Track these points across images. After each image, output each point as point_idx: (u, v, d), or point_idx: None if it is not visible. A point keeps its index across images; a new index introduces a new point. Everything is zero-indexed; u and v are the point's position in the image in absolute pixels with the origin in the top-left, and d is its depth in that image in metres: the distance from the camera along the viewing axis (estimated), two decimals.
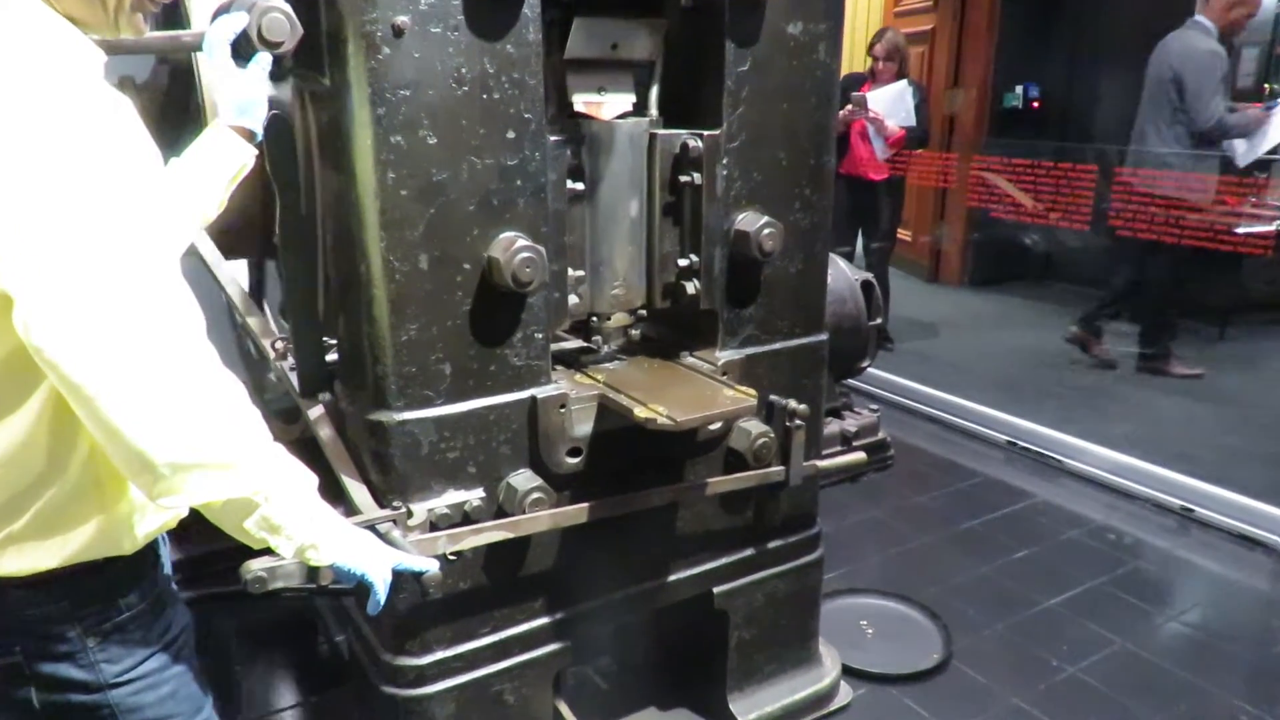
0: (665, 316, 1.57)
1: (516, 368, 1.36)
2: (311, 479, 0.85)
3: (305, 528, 0.82)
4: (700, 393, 1.39)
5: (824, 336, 1.66)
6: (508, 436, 1.37)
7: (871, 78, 4.00)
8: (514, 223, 1.28)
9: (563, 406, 1.38)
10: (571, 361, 1.52)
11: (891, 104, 3.71)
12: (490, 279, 1.27)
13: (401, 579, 0.98)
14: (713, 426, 1.52)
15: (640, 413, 1.29)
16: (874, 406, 2.10)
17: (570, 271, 1.41)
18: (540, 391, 1.37)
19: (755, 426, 1.54)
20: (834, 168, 1.53)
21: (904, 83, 3.83)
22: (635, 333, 1.56)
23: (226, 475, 0.72)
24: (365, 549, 0.92)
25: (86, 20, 0.79)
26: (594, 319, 1.50)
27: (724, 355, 1.54)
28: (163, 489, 0.70)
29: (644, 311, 1.52)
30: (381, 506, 1.25)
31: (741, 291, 1.54)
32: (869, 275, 2.01)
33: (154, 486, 0.70)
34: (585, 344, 1.53)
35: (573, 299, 1.43)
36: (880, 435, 2.08)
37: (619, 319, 1.53)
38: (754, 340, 1.57)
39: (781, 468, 1.57)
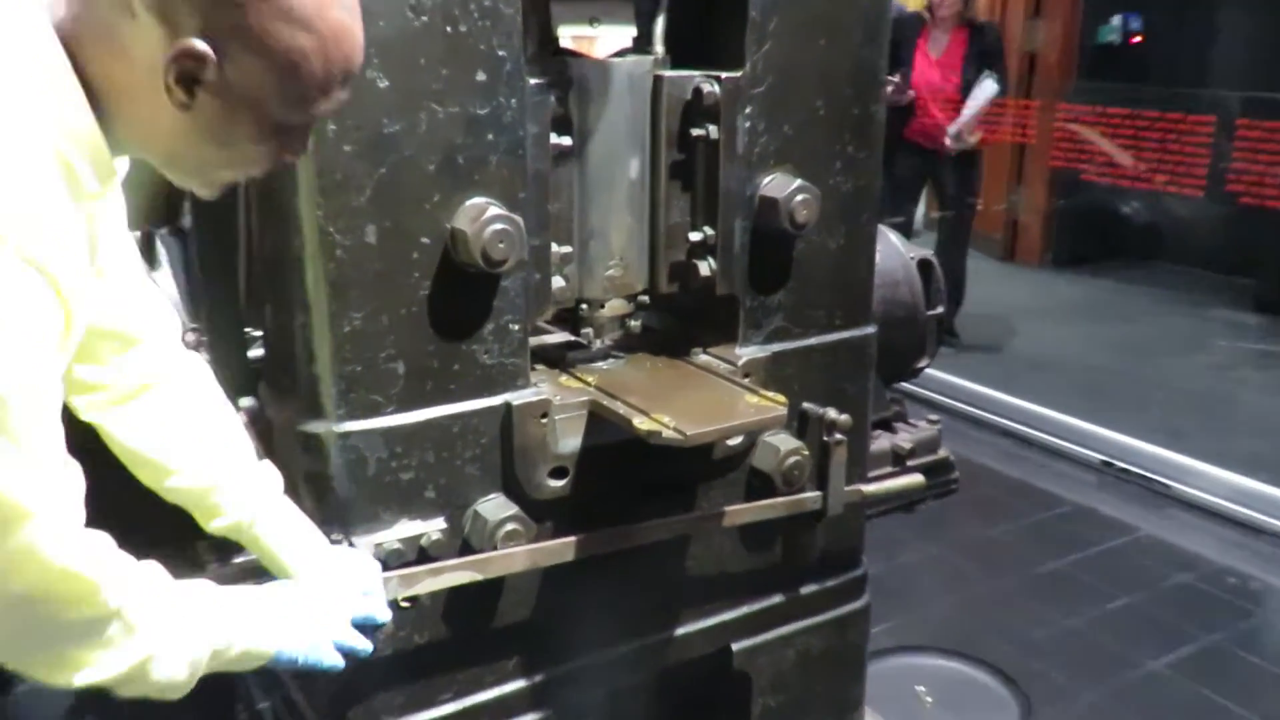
0: (672, 304, 1.60)
1: (487, 367, 1.37)
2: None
3: (226, 652, 0.95)
4: (716, 399, 1.42)
5: (871, 329, 1.70)
6: (476, 453, 1.39)
7: (929, 16, 3.98)
8: (484, 186, 1.30)
9: (544, 416, 1.41)
10: (556, 360, 1.54)
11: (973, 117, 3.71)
12: (454, 256, 1.29)
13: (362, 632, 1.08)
14: (731, 441, 1.54)
15: (641, 424, 1.31)
16: (933, 417, 2.12)
17: (555, 248, 1.43)
18: (516, 397, 1.40)
19: (785, 442, 1.58)
20: (884, 120, 1.57)
21: (987, 86, 3.79)
22: (635, 324, 1.58)
23: (114, 655, 0.83)
24: (301, 632, 1.03)
25: (131, 138, 0.84)
26: (584, 307, 1.52)
27: (746, 352, 1.57)
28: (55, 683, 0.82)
29: (646, 298, 1.55)
30: None
31: (768, 273, 1.57)
32: (927, 253, 2.03)
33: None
34: (573, 338, 1.56)
35: (557, 281, 1.45)
36: (941, 453, 2.10)
37: (615, 307, 1.55)
38: (783, 334, 1.61)
39: (818, 493, 1.61)
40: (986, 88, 3.78)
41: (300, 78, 0.83)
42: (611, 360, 1.57)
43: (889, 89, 3.66)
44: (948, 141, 3.76)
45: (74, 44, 0.80)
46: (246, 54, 0.80)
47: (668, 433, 1.29)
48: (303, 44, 0.81)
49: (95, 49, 0.81)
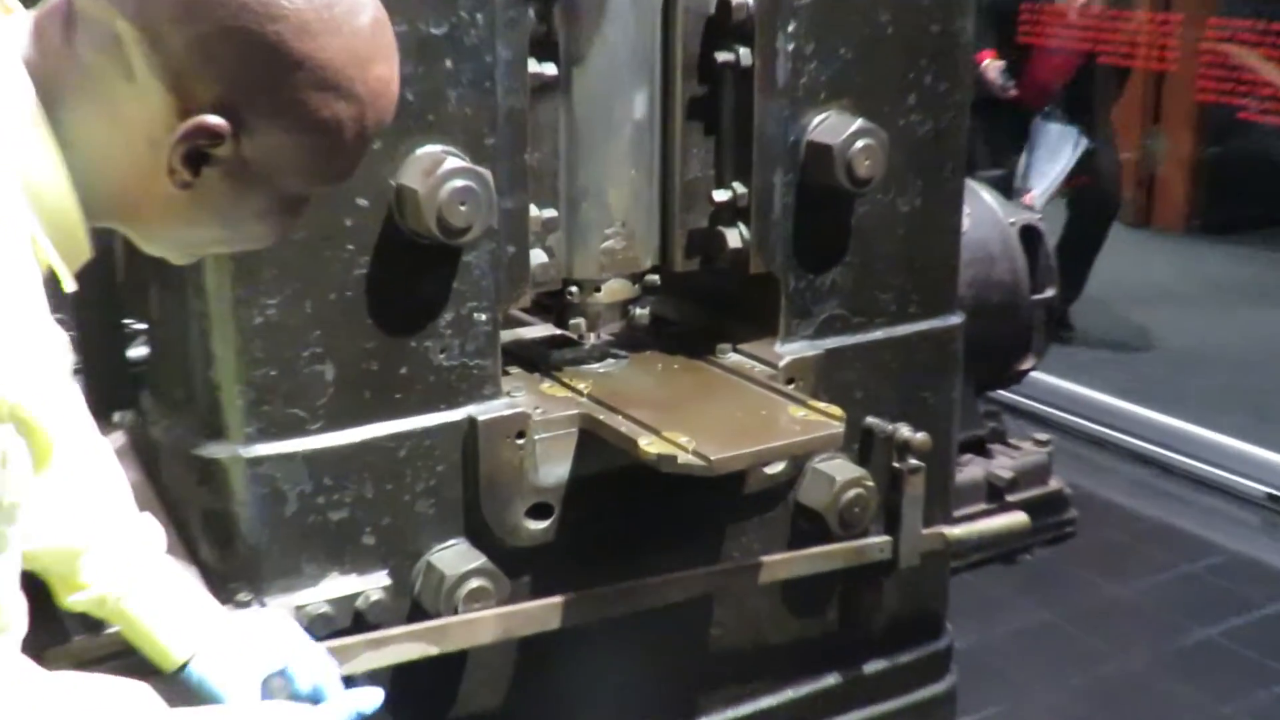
0: (692, 286, 1.65)
1: (444, 371, 1.41)
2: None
3: None
4: (749, 413, 1.44)
5: (957, 319, 1.73)
6: (429, 485, 1.42)
7: None
8: (440, 131, 1.33)
9: (521, 435, 1.43)
10: (537, 360, 1.59)
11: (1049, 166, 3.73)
12: (401, 223, 1.33)
13: None
14: (770, 469, 1.57)
15: (650, 446, 1.34)
16: (1042, 437, 2.14)
17: (535, 211, 1.46)
18: (483, 410, 1.43)
19: (842, 469, 1.60)
20: (972, 40, 1.62)
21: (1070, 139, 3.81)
22: (641, 312, 1.62)
23: None
24: None
25: (114, 198, 0.87)
26: (573, 290, 1.55)
27: (789, 350, 1.59)
28: None
29: (655, 278, 1.59)
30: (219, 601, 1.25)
31: (819, 244, 1.61)
32: (1033, 216, 2.05)
33: None
34: (559, 332, 1.60)
35: (537, 256, 1.47)
36: (1052, 484, 2.12)
37: (615, 290, 1.59)
38: (839, 325, 1.64)
39: (886, 538, 1.63)
40: (1072, 142, 3.82)
41: (331, 151, 0.87)
42: (611, 361, 1.60)
43: (994, 75, 3.70)
44: (1028, 200, 3.81)
45: (48, 93, 0.82)
46: (272, 130, 0.83)
47: (685, 457, 1.31)
48: (339, 114, 0.84)
49: (76, 104, 0.83)
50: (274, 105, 0.83)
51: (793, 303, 1.63)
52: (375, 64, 0.85)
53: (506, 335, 1.51)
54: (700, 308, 1.72)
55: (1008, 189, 3.92)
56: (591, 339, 1.62)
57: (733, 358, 1.62)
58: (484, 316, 1.43)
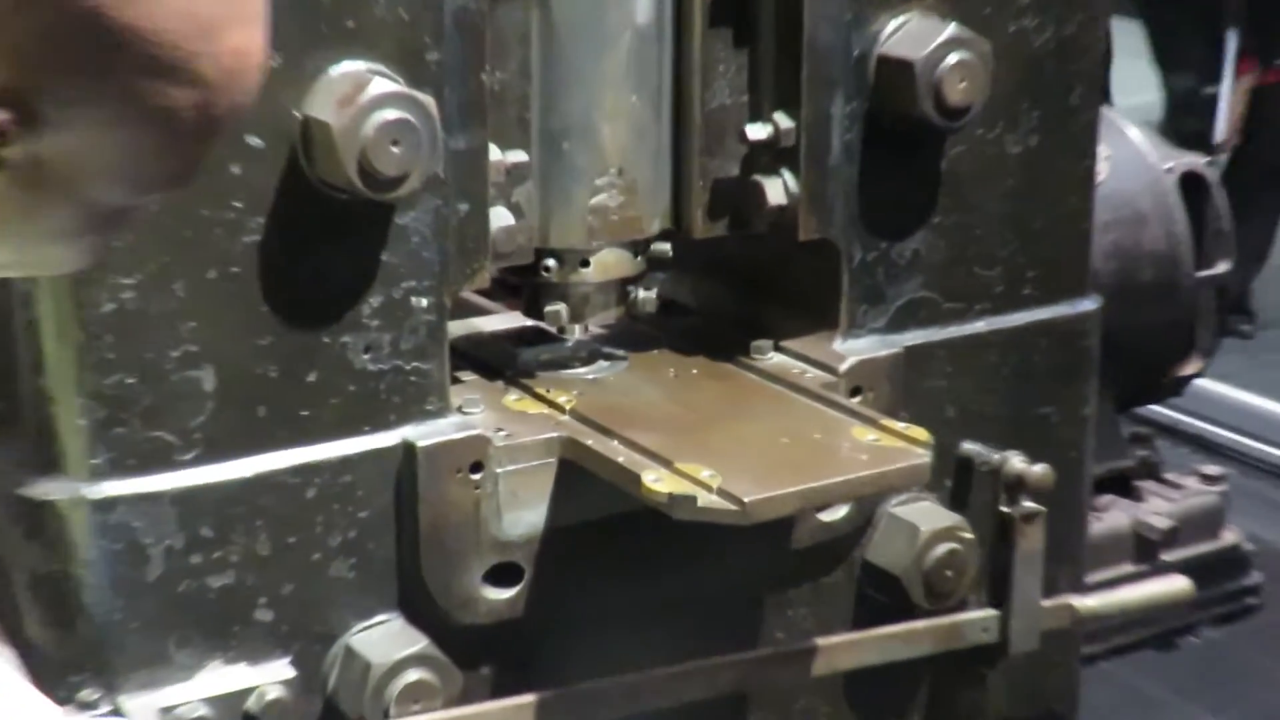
0: (717, 260, 1.67)
1: (369, 378, 1.43)
2: None
3: None
4: (797, 436, 1.46)
5: (1091, 305, 1.74)
6: (348, 539, 1.44)
7: None
8: (364, 41, 1.34)
9: (477, 469, 1.45)
10: (500, 363, 1.61)
11: None
12: (309, 171, 1.35)
13: None
14: (827, 516, 1.57)
15: (658, 484, 1.35)
16: (1212, 470, 2.14)
17: (497, 154, 1.48)
18: (425, 433, 1.45)
19: (929, 516, 1.61)
20: None
21: None
22: (646, 295, 1.64)
23: None
24: None
25: None
26: (550, 264, 1.58)
27: (854, 348, 1.61)
28: None
29: (666, 247, 1.61)
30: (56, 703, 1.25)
31: (895, 200, 1.62)
32: (1196, 161, 2.05)
33: None
34: (531, 323, 1.62)
35: (502, 217, 1.49)
36: (1227, 537, 2.12)
37: (609, 264, 1.61)
38: (924, 313, 1.66)
39: (992, 612, 1.64)
40: None
41: (161, 150, 0.85)
42: (604, 365, 1.62)
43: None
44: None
45: None
46: (79, 123, 0.82)
47: (708, 499, 1.33)
48: (175, 102, 0.82)
49: None
50: (82, 92, 0.81)
51: (859, 282, 1.64)
52: (229, 31, 0.84)
53: (457, 328, 1.52)
54: (729, 290, 1.73)
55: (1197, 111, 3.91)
56: (577, 333, 1.63)
57: (775, 359, 1.63)
58: (425, 302, 1.45)
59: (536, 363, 1.63)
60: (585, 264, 1.60)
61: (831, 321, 1.66)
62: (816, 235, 1.62)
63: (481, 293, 1.66)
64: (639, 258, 1.64)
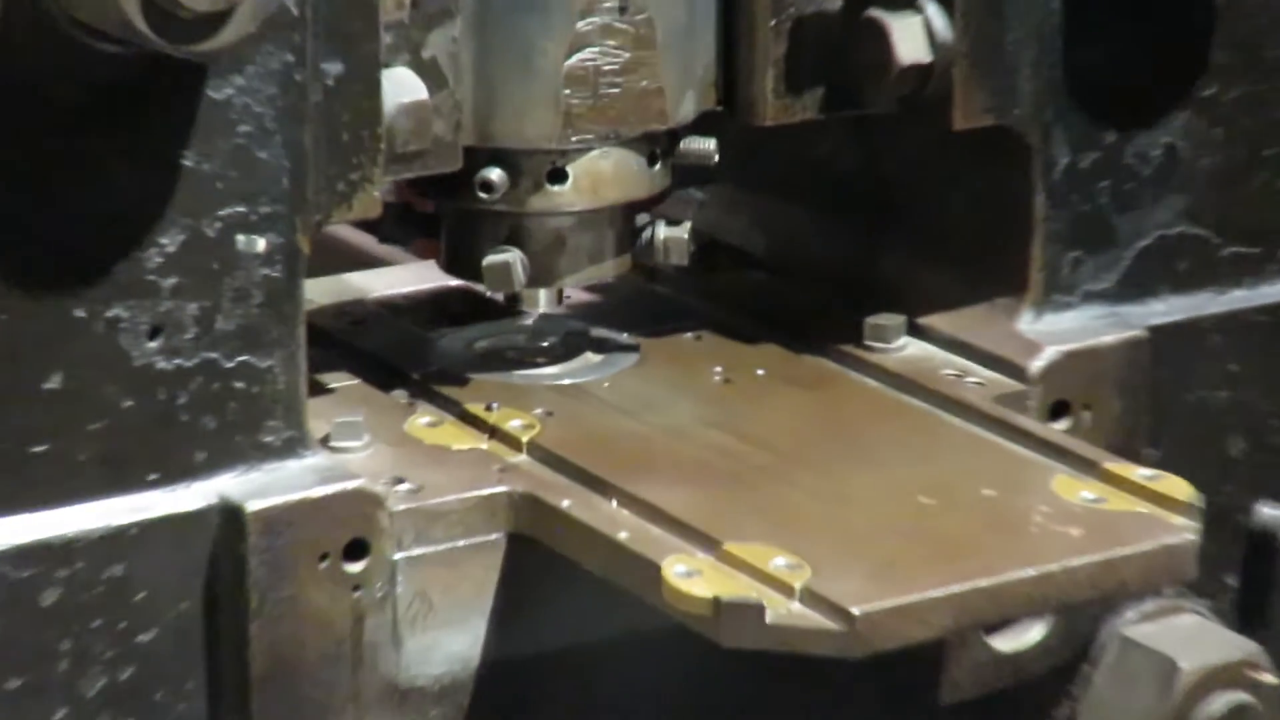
0: (798, 169, 1.50)
1: (156, 385, 1.17)
2: None
3: None
4: (947, 494, 1.23)
5: None
6: (116, 681, 1.18)
7: None
8: None
9: (358, 552, 1.20)
10: (404, 357, 1.42)
11: None
12: (52, 5, 1.11)
13: None
14: (1006, 642, 1.34)
15: (691, 581, 1.10)
16: None
17: None
18: (259, 485, 1.19)
19: (1196, 642, 1.41)
20: None
21: None
22: (673, 234, 1.40)
23: None
24: None
25: None
26: (491, 177, 1.32)
27: (1054, 329, 1.39)
28: None
29: (708, 145, 1.39)
30: None
31: (1129, 59, 1.40)
32: None
33: None
34: (458, 284, 1.48)
35: (405, 87, 1.24)
36: None
37: (600, 174, 1.35)
38: (1185, 264, 1.45)
39: None
40: None
41: None
42: (592, 359, 1.41)
43: None
44: None
45: None
46: None
47: (785, 608, 1.06)
48: None
49: None
50: None
51: (1064, 208, 1.35)
52: None
53: (320, 292, 1.36)
54: (822, 224, 1.46)
55: None
56: (542, 304, 1.40)
57: (909, 351, 1.36)
58: (262, 244, 1.15)
59: (469, 357, 1.37)
60: (558, 176, 1.30)
61: (1012, 281, 1.36)
62: (986, 120, 1.31)
63: (367, 228, 1.44)
64: (657, 166, 1.34)
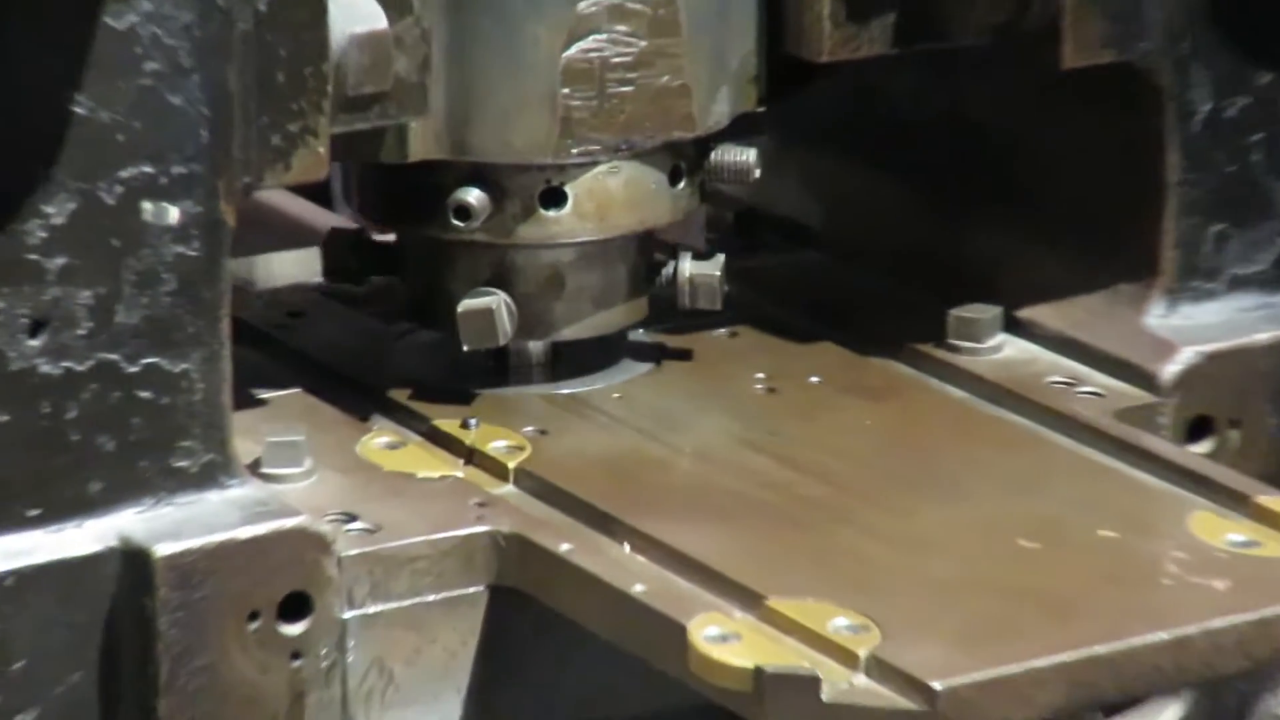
0: (862, 120, 1.46)
1: (39, 394, 1.15)
2: None
3: None
4: (1057, 535, 1.14)
5: None
6: None
7: None
8: None
9: (298, 609, 1.14)
10: (358, 360, 1.38)
11: None
12: None
13: None
14: None
15: (725, 646, 1.04)
16: None
17: None
18: (170, 524, 1.13)
19: None
20: None
21: None
22: (702, 274, 1.38)
23: None
24: None
25: None
26: (469, 200, 1.28)
27: (1192, 326, 1.34)
28: None
29: (747, 155, 1.35)
30: None
31: None
32: None
33: None
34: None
35: (361, 14, 1.19)
36: None
37: (609, 197, 1.31)
38: None
39: None
40: None
41: None
42: (597, 375, 1.35)
43: None
44: None
45: None
46: None
47: (845, 679, 0.99)
48: None
49: None
50: None
51: (1205, 171, 1.28)
52: None
53: (250, 273, 1.43)
54: (895, 193, 1.38)
55: None
56: (535, 361, 1.34)
57: (1006, 353, 1.29)
58: (174, 214, 1.10)
59: (440, 360, 1.32)
60: (554, 198, 1.24)
61: (1138, 263, 1.27)
62: (1104, 56, 1.22)
63: (311, 194, 1.51)
64: (680, 185, 1.27)
